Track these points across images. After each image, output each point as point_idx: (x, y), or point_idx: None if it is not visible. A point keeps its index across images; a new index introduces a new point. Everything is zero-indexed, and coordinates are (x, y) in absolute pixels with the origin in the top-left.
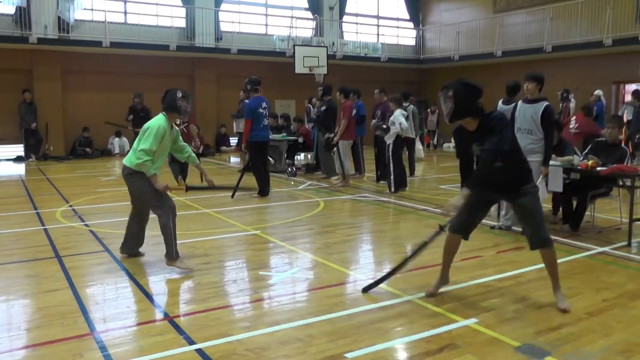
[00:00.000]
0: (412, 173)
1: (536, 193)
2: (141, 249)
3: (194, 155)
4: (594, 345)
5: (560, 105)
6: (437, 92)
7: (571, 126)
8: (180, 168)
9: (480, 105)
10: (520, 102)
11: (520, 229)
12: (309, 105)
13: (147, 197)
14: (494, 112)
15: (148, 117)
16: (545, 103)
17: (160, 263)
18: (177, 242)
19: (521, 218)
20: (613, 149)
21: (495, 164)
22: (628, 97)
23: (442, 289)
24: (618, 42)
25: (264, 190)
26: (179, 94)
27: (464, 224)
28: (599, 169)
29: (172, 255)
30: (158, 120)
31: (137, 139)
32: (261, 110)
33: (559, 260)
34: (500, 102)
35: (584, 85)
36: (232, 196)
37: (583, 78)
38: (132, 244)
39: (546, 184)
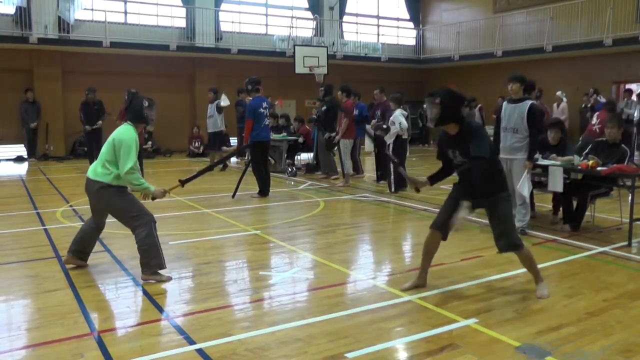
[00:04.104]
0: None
1: (509, 200)
2: (136, 250)
3: (139, 167)
4: (594, 345)
5: (557, 105)
6: None
7: (593, 122)
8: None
9: (462, 113)
10: (504, 102)
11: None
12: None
13: (125, 211)
14: (473, 122)
15: (102, 110)
16: (530, 102)
17: None
18: (162, 249)
19: (494, 223)
20: (613, 149)
21: (480, 168)
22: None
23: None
24: (618, 42)
25: (264, 191)
26: (145, 103)
27: (444, 223)
28: (599, 168)
29: (156, 266)
30: (129, 133)
31: (105, 152)
32: (262, 110)
33: (559, 260)
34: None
35: (584, 85)
36: (233, 196)
37: (583, 78)
38: (85, 251)
39: (545, 184)
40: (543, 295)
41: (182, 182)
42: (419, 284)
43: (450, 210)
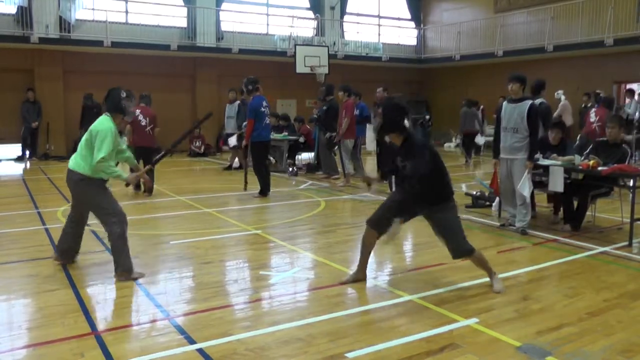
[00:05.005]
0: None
1: (454, 208)
2: (137, 250)
3: (132, 156)
4: (594, 345)
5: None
6: (438, 92)
7: (592, 119)
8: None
9: (407, 125)
10: (504, 102)
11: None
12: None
13: (99, 204)
14: (417, 137)
15: (100, 113)
16: (530, 102)
17: (160, 263)
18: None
19: (441, 232)
20: (614, 149)
21: (417, 185)
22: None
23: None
24: (619, 42)
25: (265, 190)
26: (123, 94)
27: (381, 222)
28: (600, 168)
29: (128, 267)
30: (106, 123)
31: (83, 143)
32: (262, 109)
33: (560, 260)
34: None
35: (584, 85)
36: (244, 189)
37: (584, 78)
38: (67, 248)
39: (546, 184)
40: (500, 289)
41: (153, 163)
42: (359, 278)
43: (386, 211)
